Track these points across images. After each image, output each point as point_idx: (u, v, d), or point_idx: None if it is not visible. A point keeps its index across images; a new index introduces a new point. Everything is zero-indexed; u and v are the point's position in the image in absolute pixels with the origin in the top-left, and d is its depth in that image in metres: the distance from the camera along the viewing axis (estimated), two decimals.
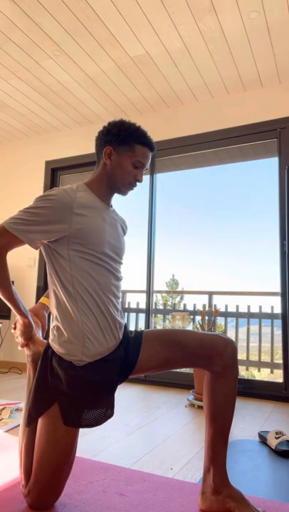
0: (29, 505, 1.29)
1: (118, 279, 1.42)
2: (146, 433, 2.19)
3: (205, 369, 1.36)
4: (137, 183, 1.46)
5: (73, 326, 1.30)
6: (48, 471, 1.25)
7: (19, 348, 1.44)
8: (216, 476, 1.31)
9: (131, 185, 1.45)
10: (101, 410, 1.29)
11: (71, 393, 1.26)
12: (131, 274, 3.92)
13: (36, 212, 1.26)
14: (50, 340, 1.35)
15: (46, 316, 1.56)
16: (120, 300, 1.45)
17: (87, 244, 1.31)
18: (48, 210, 1.26)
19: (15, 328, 1.42)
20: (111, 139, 1.41)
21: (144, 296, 3.79)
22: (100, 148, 1.45)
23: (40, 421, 1.30)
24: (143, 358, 1.37)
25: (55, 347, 1.31)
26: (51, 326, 1.37)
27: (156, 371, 1.39)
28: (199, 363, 1.35)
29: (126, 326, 1.46)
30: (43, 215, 1.26)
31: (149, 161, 1.46)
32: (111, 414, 1.32)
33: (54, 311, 1.35)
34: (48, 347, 1.35)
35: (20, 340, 1.41)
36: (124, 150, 1.40)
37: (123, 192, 1.46)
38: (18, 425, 2.24)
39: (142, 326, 4.34)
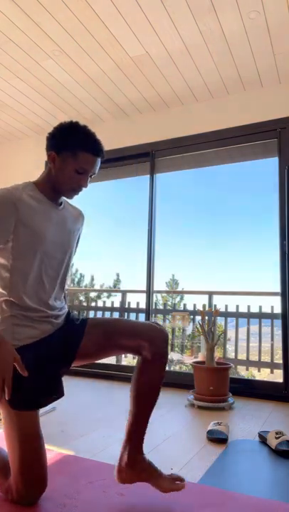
0: (14, 501, 1.30)
1: (55, 271, 1.45)
2: (146, 433, 2.19)
3: (136, 354, 1.44)
4: (83, 188, 1.45)
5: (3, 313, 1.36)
6: (18, 461, 1.27)
7: None
8: (131, 451, 1.40)
9: (74, 191, 1.44)
10: (43, 390, 1.33)
11: None
12: (131, 274, 3.92)
13: None
14: None
15: None
16: (62, 288, 1.50)
17: (27, 242, 1.35)
18: None
19: None
20: (55, 144, 1.40)
21: (144, 296, 3.78)
22: (46, 151, 1.44)
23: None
24: (84, 344, 1.44)
25: None
26: None
27: (99, 357, 1.47)
28: (131, 349, 1.42)
29: (70, 313, 1.52)
30: None
31: (97, 166, 1.43)
32: (55, 395, 1.37)
33: None
34: None
35: None
36: (67, 156, 1.38)
37: (67, 196, 1.47)
38: None
39: None
